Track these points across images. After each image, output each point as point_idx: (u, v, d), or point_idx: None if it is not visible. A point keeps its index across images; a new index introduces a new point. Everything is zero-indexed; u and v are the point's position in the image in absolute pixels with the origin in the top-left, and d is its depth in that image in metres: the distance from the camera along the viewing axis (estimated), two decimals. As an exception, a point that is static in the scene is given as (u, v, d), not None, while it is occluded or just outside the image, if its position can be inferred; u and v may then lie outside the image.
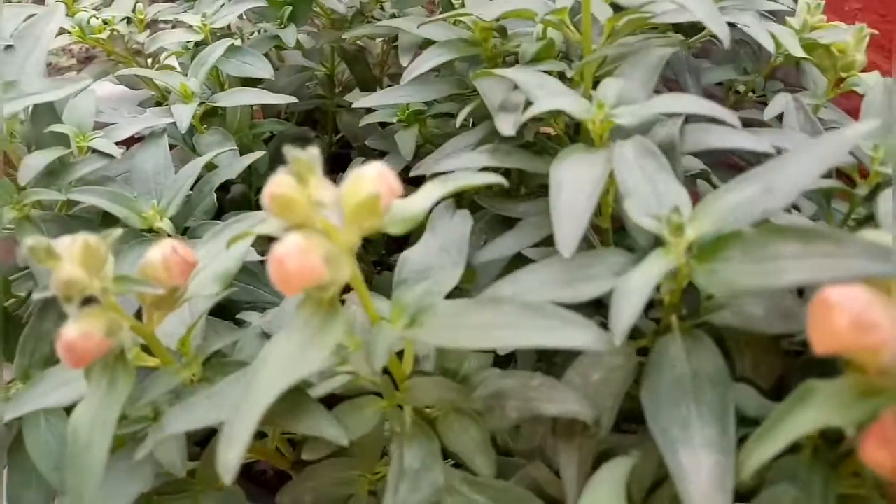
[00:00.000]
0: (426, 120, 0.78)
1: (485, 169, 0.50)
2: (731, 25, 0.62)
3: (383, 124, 0.85)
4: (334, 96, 1.05)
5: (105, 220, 0.69)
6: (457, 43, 0.63)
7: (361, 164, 0.80)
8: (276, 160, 0.89)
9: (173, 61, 0.98)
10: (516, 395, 0.38)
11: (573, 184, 0.41)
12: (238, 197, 0.98)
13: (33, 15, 0.72)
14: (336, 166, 1.13)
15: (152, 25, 0.97)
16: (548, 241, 0.50)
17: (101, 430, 0.36)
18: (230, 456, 0.29)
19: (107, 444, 0.35)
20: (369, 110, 1.04)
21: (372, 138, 0.86)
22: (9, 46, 0.68)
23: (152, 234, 0.64)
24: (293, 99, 0.79)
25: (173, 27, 0.87)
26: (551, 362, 0.48)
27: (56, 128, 0.67)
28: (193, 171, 0.65)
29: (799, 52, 0.66)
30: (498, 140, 0.55)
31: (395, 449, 0.36)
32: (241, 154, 0.75)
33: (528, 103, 0.49)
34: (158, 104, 1.02)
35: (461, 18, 0.63)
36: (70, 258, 0.36)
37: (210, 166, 0.74)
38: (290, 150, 0.31)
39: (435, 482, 0.35)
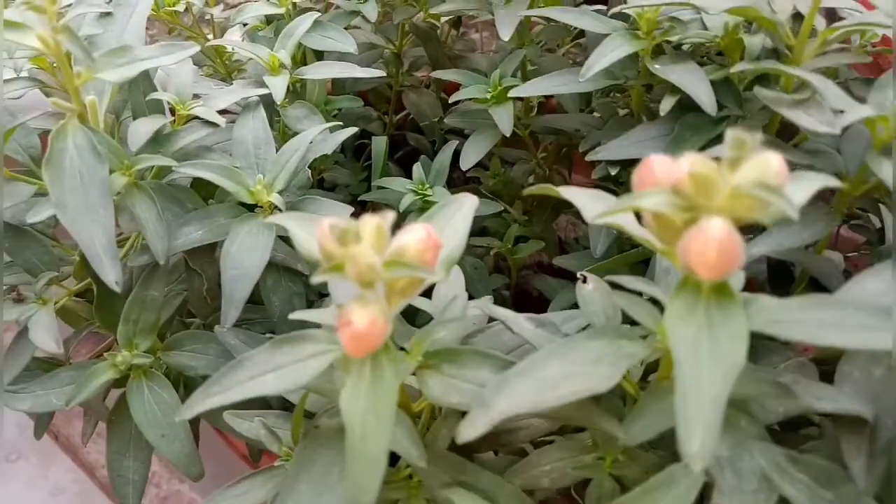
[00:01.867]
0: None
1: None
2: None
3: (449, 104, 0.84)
4: (400, 75, 1.04)
5: (199, 190, 0.69)
6: (626, 34, 0.61)
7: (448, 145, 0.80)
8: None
9: (234, 37, 0.97)
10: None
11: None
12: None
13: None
14: (393, 148, 1.13)
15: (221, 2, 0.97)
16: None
17: (376, 423, 0.34)
18: (700, 446, 0.29)
19: (386, 437, 0.34)
20: (437, 90, 1.05)
21: (451, 116, 0.86)
22: (106, 14, 0.67)
23: (259, 209, 0.63)
24: (380, 73, 0.78)
25: (256, -1, 0.86)
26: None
27: (157, 96, 0.66)
28: (300, 146, 0.64)
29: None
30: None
31: None
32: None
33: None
34: (223, 81, 1.02)
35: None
36: (368, 241, 0.34)
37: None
38: (732, 132, 0.31)
39: (755, 468, 0.35)
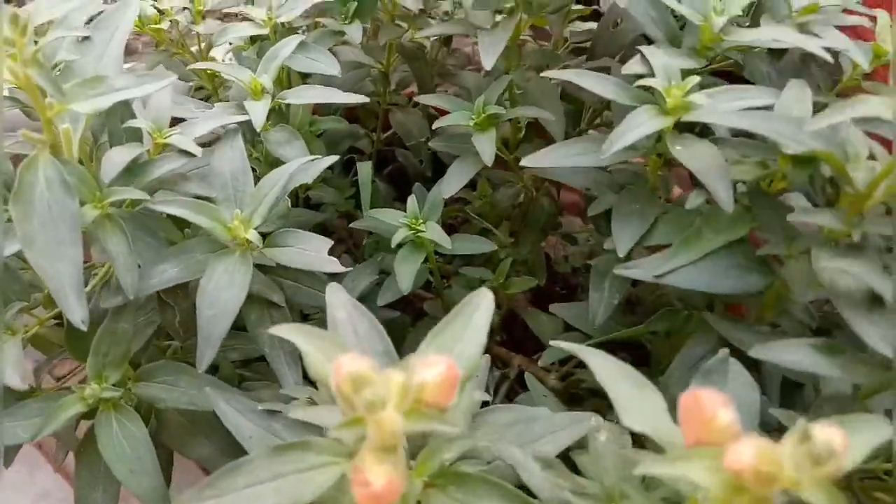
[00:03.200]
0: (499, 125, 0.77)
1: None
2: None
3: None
4: (387, 94, 1.03)
5: (175, 219, 0.68)
6: (652, 110, 0.58)
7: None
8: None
9: (220, 54, 0.96)
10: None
11: None
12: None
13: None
14: (380, 163, 1.12)
15: (209, 16, 0.96)
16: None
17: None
18: None
19: None
20: (425, 109, 1.04)
21: (437, 140, 0.84)
22: (85, 38, 0.66)
23: (236, 243, 0.62)
24: (363, 98, 0.77)
25: (242, 19, 0.85)
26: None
27: (134, 123, 0.65)
28: (279, 178, 0.63)
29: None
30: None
31: None
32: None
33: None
34: (208, 98, 1.01)
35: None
36: (392, 403, 0.33)
37: (276, 163, 0.72)
38: (803, 435, 0.29)
39: None
